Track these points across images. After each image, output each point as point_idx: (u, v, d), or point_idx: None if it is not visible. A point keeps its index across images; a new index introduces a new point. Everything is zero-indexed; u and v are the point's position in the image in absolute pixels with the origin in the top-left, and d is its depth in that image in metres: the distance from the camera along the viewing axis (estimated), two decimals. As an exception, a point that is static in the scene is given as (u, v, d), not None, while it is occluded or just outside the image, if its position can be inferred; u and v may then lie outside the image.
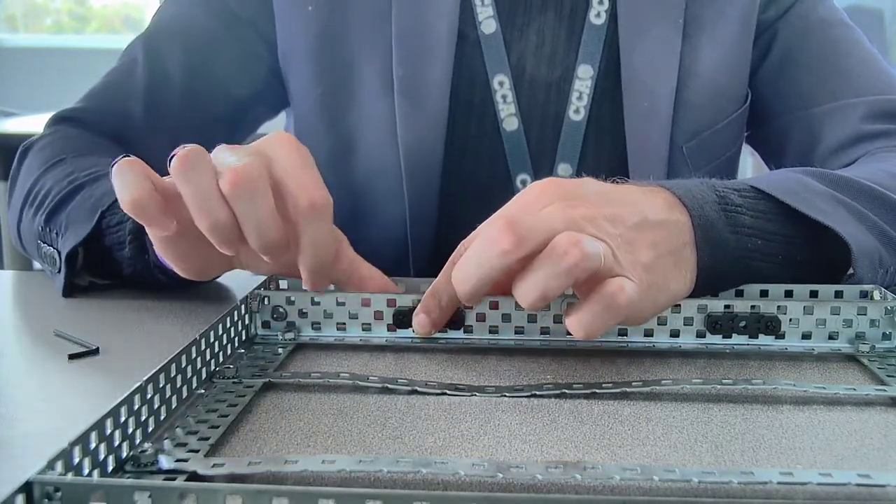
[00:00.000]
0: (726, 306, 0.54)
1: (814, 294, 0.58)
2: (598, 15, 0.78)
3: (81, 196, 0.68)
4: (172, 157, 0.51)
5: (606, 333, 0.49)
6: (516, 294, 0.47)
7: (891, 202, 0.61)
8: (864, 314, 0.53)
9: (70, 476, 0.34)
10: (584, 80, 0.77)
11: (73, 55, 4.01)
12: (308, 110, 0.81)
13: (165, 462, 0.37)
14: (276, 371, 0.50)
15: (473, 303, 0.51)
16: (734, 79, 0.81)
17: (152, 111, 0.81)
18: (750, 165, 2.59)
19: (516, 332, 0.55)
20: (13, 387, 0.50)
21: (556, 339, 0.54)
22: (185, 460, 0.38)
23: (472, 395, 0.47)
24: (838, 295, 0.58)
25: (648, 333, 0.54)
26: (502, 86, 0.77)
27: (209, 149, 0.90)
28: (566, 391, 0.47)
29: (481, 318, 0.54)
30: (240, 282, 0.70)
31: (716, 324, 0.54)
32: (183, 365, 0.45)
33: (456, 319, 0.54)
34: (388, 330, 0.55)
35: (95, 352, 0.55)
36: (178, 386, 0.45)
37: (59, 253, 0.67)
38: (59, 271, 0.67)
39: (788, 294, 0.57)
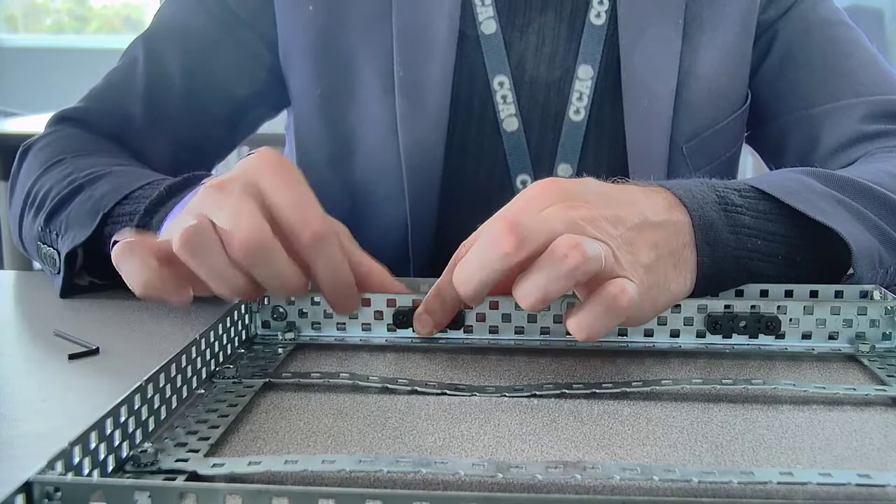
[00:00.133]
0: (726, 306, 0.54)
1: (814, 294, 0.58)
2: (598, 15, 0.78)
3: (81, 197, 0.68)
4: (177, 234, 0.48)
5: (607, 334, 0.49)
6: (517, 296, 0.47)
7: (891, 202, 0.62)
8: (864, 314, 0.53)
9: (70, 476, 0.34)
10: (584, 80, 0.77)
11: (73, 55, 4.02)
12: (308, 110, 0.81)
13: (165, 462, 0.37)
14: (276, 371, 0.50)
15: (475, 303, 0.51)
16: (734, 79, 0.81)
17: (152, 111, 0.81)
18: (750, 165, 2.59)
19: (516, 332, 0.55)
20: (13, 387, 0.50)
21: (556, 340, 0.54)
22: (185, 460, 0.38)
23: (472, 395, 0.47)
24: (838, 295, 0.58)
25: (648, 333, 0.54)
26: (502, 86, 0.77)
27: (209, 149, 0.89)
28: (566, 391, 0.47)
29: (481, 318, 0.54)
30: (240, 282, 0.70)
31: (716, 324, 0.54)
32: (183, 365, 0.45)
33: (456, 319, 0.54)
34: (388, 330, 0.55)
35: (95, 352, 0.55)
36: (178, 386, 0.45)
37: (59, 254, 0.67)
38: (59, 272, 0.67)
39: (788, 294, 0.57)
